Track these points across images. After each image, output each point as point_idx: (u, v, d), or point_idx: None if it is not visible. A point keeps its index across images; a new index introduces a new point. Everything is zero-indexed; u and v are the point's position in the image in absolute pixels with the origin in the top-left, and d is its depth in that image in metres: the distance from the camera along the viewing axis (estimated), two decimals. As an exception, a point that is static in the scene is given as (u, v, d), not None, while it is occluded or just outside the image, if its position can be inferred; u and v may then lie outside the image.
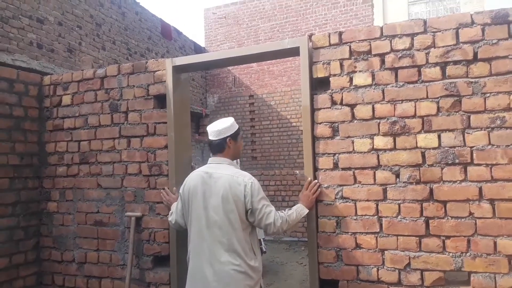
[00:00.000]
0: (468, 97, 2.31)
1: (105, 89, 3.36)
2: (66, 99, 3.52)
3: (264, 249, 5.56)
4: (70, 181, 3.48)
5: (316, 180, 2.62)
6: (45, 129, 3.60)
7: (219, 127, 2.48)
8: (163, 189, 3.02)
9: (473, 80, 2.31)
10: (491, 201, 2.25)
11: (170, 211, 2.77)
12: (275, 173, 8.84)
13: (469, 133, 2.30)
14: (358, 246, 2.52)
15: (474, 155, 2.29)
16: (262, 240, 5.32)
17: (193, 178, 2.50)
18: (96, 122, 3.38)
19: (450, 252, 2.32)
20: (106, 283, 3.27)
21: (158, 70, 3.17)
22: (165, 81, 3.12)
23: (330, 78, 2.65)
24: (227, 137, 2.48)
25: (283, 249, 7.74)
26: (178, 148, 3.07)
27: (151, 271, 3.11)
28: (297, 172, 8.65)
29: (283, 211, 2.47)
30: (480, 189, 2.27)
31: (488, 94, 2.27)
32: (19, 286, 3.40)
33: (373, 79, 2.53)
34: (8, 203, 3.36)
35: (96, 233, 3.34)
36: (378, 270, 2.46)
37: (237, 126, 2.54)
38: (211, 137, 2.50)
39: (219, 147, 2.50)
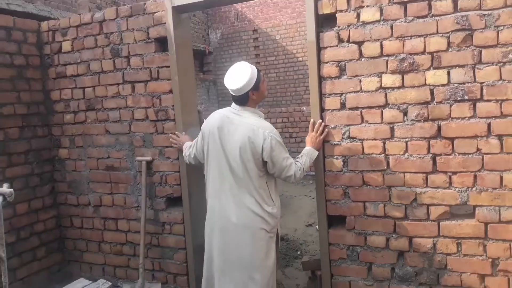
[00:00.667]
0: (480, 31, 2.22)
1: (104, 33, 3.27)
2: (66, 46, 3.45)
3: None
4: (78, 128, 3.51)
5: (320, 120, 2.60)
6: (48, 76, 3.57)
7: (238, 85, 2.34)
8: (172, 133, 3.03)
9: (486, 12, 2.20)
10: (499, 137, 2.24)
11: (189, 146, 2.75)
12: (281, 110, 8.81)
13: (479, 69, 2.24)
14: (365, 183, 2.56)
15: (484, 91, 2.24)
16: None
17: (215, 118, 2.48)
18: (99, 68, 3.33)
19: (456, 187, 2.36)
20: (122, 223, 3.41)
21: (157, 12, 3.06)
22: (165, 23, 3.02)
23: (337, 14, 2.54)
24: (249, 91, 2.37)
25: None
26: (183, 92, 3.04)
27: (165, 211, 3.23)
28: (304, 108, 8.61)
29: (297, 160, 2.47)
30: (489, 125, 2.25)
31: (502, 27, 2.18)
32: (40, 229, 3.57)
33: (381, 14, 2.42)
34: (21, 152, 3.43)
35: (108, 178, 3.43)
36: (385, 206, 2.53)
37: (255, 75, 2.38)
38: (231, 92, 2.41)
39: (241, 101, 2.43)
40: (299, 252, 4.25)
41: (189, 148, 2.74)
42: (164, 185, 3.20)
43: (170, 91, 3.06)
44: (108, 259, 3.52)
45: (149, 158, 3.20)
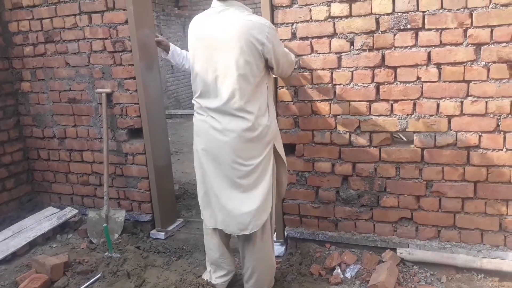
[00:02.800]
0: (424, -43, 2.23)
1: (57, -40, 3.18)
2: (20, -26, 3.35)
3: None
4: (39, 61, 3.50)
5: None
6: (4, 7, 3.49)
7: None
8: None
9: None
10: (438, 65, 2.32)
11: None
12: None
13: (422, -3, 2.28)
14: (313, 112, 2.66)
15: (426, 19, 2.29)
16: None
17: (200, 21, 2.19)
18: (55, -3, 3.27)
19: (397, 115, 2.47)
20: (87, 155, 3.50)
21: None
22: (118, -50, 2.94)
23: None
24: None
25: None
26: (139, 22, 3.01)
27: (127, 142, 3.31)
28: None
29: None
30: (429, 53, 2.32)
31: (443, -46, 2.19)
32: (8, 161, 3.66)
33: None
34: (-19, 84, 3.43)
35: (71, 110, 3.47)
36: (331, 133, 2.65)
37: None
38: None
39: None
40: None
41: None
42: (124, 117, 3.26)
43: (126, 21, 3.04)
44: (75, 189, 3.65)
45: (108, 90, 3.24)
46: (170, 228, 3.39)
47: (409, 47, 2.36)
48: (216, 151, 2.16)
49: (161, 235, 3.30)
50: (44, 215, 3.50)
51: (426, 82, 2.36)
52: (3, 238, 3.21)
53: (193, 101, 2.28)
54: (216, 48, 2.07)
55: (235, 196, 2.17)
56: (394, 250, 2.62)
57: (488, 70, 2.24)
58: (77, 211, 3.54)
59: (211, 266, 2.48)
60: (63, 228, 3.45)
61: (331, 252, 2.77)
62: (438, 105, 2.37)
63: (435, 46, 2.30)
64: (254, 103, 2.11)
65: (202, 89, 2.17)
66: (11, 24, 3.52)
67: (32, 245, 3.22)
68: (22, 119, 3.73)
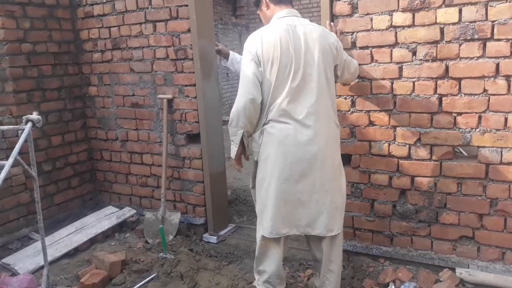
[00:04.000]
0: (495, -35, 2.13)
1: (127, -27, 3.37)
2: (93, -15, 3.57)
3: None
4: (105, 67, 3.70)
5: (331, 22, 2.61)
6: (77, 16, 3.74)
7: None
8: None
9: None
10: (507, 78, 2.21)
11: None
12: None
13: (492, 6, 2.17)
14: (371, 123, 2.62)
15: (495, 29, 2.19)
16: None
17: (274, 32, 2.11)
18: (123, 7, 3.45)
19: (460, 128, 2.37)
20: (147, 157, 3.65)
21: (176, -50, 3.09)
22: (184, -38, 3.06)
23: (350, -50, 2.49)
24: None
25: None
26: (201, 31, 3.12)
27: (185, 147, 3.42)
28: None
29: None
30: (497, 65, 2.22)
31: (517, -39, 2.09)
32: (73, 160, 3.89)
33: (394, -51, 2.36)
34: (54, 88, 3.68)
35: (134, 114, 3.64)
36: (389, 145, 2.58)
37: None
38: None
39: (291, 1, 2.25)
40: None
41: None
42: (184, 122, 3.37)
43: (189, 30, 3.15)
44: (134, 190, 3.81)
45: (169, 96, 3.36)
46: (222, 232, 3.45)
47: (475, 58, 2.26)
48: (307, 158, 2.11)
49: (213, 239, 3.36)
50: (104, 214, 3.68)
51: (494, 94, 2.25)
52: (66, 234, 3.41)
53: (269, 110, 2.13)
54: (300, 54, 2.08)
55: (324, 198, 2.16)
56: (453, 269, 2.50)
57: None
58: (135, 211, 3.69)
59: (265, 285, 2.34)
60: (121, 227, 3.61)
61: (385, 267, 2.69)
62: (506, 119, 2.25)
63: (505, 57, 2.19)
64: (333, 104, 2.22)
65: (284, 96, 2.09)
66: (83, 32, 3.76)
67: (92, 241, 3.39)
68: (88, 121, 3.96)
